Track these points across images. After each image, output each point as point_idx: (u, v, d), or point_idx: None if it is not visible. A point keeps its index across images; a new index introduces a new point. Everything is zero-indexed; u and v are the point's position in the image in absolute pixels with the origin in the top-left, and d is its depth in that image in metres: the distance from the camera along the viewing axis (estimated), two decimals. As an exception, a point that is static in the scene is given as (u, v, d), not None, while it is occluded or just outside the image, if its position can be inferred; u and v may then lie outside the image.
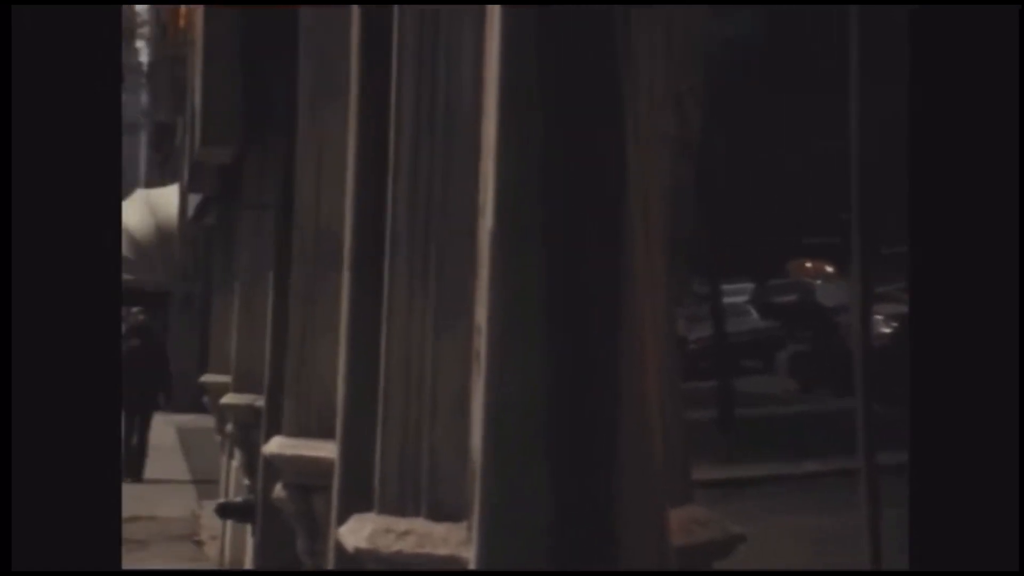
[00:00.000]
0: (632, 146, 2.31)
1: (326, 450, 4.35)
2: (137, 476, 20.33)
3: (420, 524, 2.61)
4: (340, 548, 2.87)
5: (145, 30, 55.99)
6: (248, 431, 8.86)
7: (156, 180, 46.21)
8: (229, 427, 10.22)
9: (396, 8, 2.79)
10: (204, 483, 17.28)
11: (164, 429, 23.24)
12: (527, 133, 2.35)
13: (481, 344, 2.40)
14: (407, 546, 2.58)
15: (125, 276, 30.86)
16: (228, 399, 9.61)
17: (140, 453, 20.62)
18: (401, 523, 2.62)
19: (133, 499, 16.84)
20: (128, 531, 14.82)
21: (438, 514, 2.60)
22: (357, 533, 2.68)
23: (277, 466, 5.00)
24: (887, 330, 12.68)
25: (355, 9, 3.70)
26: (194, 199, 17.05)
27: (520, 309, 2.36)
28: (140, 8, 59.02)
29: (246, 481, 9.33)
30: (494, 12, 2.39)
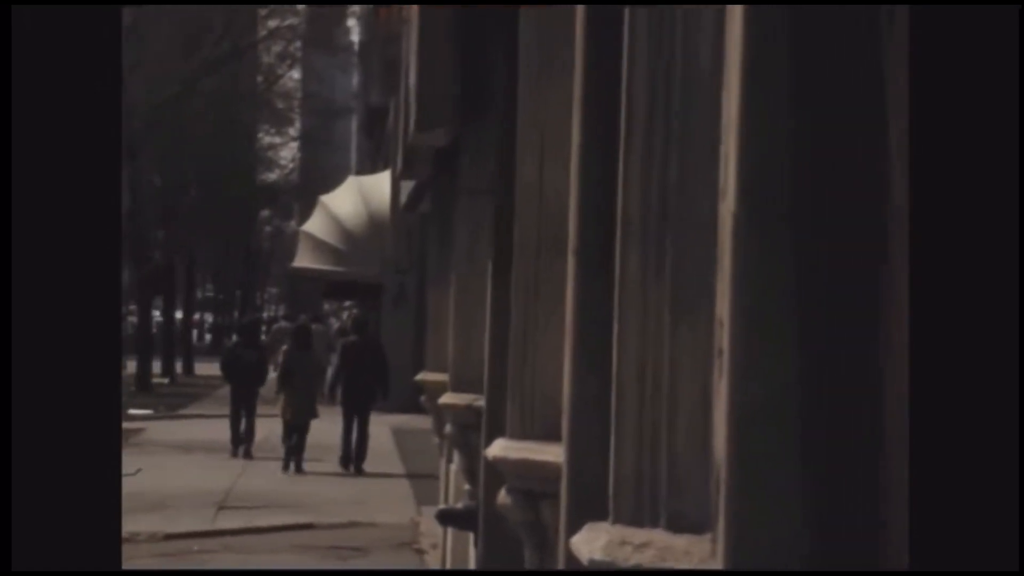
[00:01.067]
0: (894, 115, 2.23)
1: (553, 453, 4.33)
2: (359, 471, 20.82)
3: (659, 536, 2.56)
4: (572, 559, 2.84)
5: (356, 8, 56.92)
6: (468, 433, 8.91)
7: (367, 167, 47.04)
8: (448, 428, 10.30)
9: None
10: (423, 484, 17.50)
11: (380, 430, 23.60)
12: (774, 107, 2.29)
13: (724, 339, 2.35)
14: (646, 559, 2.54)
15: (337, 268, 31.42)
16: (446, 399, 9.68)
17: (360, 453, 21.03)
18: (639, 534, 2.58)
19: (352, 504, 17.14)
20: (347, 538, 15.07)
21: (679, 525, 2.56)
22: (591, 543, 2.65)
23: (500, 470, 5.00)
24: None
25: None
26: (407, 186, 17.22)
27: (767, 300, 2.30)
28: (352, -15, 59.95)
29: (467, 486, 9.40)
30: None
